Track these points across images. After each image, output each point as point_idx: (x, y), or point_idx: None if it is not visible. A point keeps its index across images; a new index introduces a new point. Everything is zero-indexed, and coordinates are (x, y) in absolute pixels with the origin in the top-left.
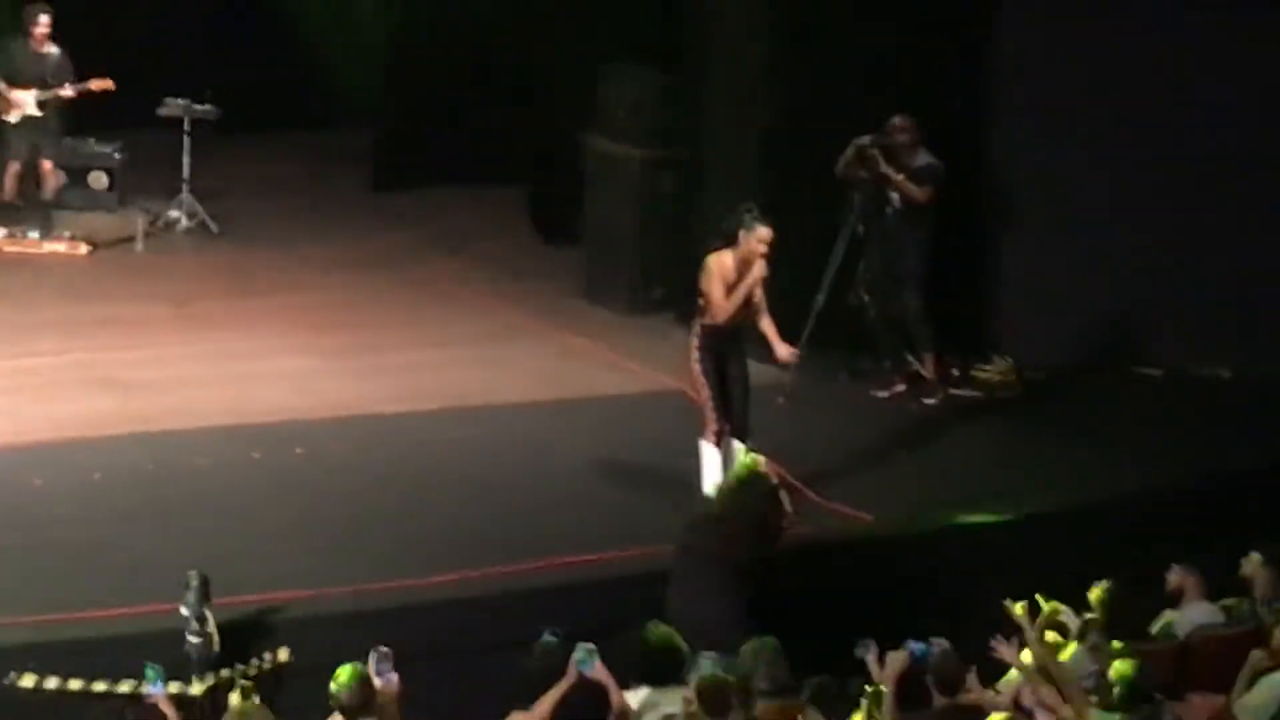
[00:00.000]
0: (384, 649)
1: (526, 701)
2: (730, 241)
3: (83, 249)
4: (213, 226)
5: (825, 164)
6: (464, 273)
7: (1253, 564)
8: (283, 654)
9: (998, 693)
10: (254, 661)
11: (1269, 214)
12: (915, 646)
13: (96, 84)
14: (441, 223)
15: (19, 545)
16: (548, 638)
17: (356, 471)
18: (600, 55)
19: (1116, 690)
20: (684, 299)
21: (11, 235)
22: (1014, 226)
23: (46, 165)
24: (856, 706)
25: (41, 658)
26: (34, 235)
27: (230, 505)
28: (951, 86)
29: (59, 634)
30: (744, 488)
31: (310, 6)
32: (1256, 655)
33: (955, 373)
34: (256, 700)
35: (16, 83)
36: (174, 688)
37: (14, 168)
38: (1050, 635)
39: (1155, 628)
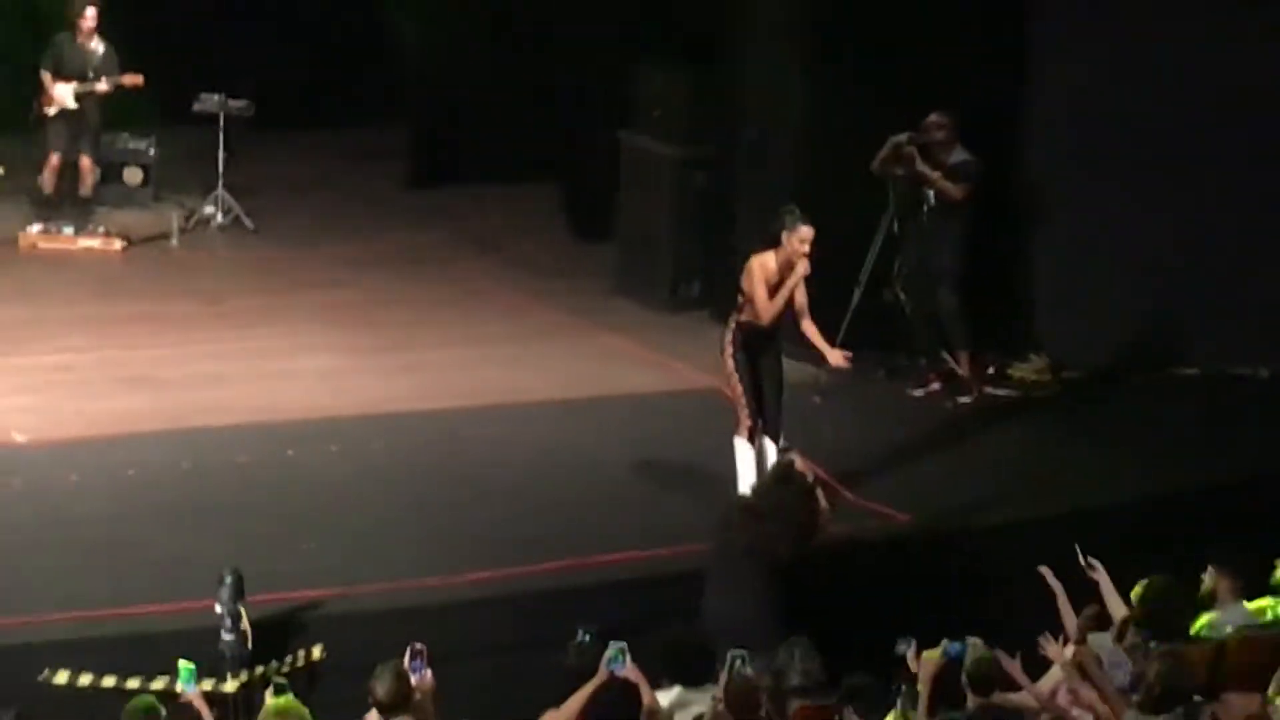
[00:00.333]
0: (418, 646)
1: (560, 700)
2: (772, 243)
3: (117, 245)
4: (247, 223)
5: (861, 161)
6: (497, 270)
7: None
8: (316, 651)
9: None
10: (288, 659)
11: None
12: (951, 646)
13: (128, 79)
14: (475, 221)
15: (54, 542)
16: (581, 636)
17: (390, 469)
18: (634, 53)
19: (1154, 691)
20: (718, 296)
21: (46, 231)
22: (1051, 224)
23: (85, 162)
24: (892, 706)
25: (75, 655)
26: (69, 231)
27: (264, 502)
28: (988, 84)
29: (93, 631)
30: (780, 486)
31: (344, 3)
32: None
33: (991, 371)
34: (291, 697)
35: (61, 75)
36: (207, 685)
37: (53, 160)
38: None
39: (1193, 628)
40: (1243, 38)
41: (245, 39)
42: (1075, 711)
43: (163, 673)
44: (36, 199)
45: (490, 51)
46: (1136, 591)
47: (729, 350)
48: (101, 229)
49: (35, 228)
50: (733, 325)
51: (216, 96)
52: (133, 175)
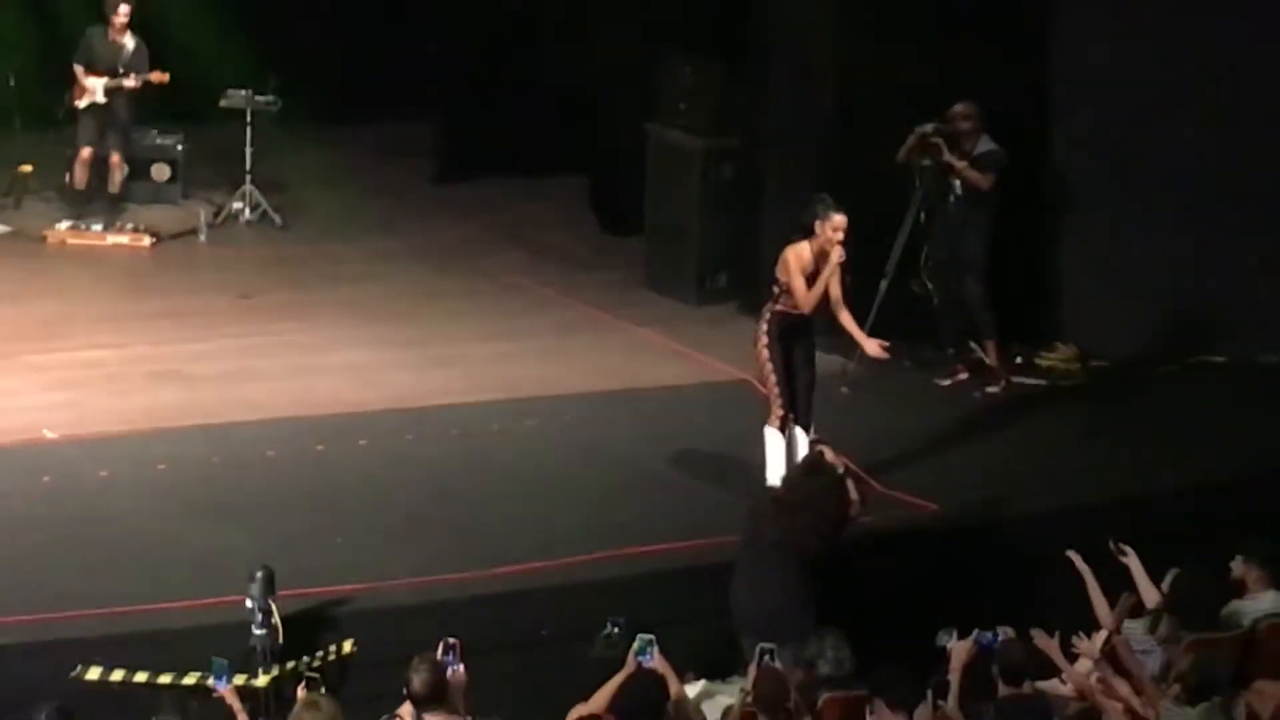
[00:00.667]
0: (451, 641)
1: (589, 692)
2: (806, 233)
3: (146, 241)
4: (275, 218)
5: (887, 151)
6: (526, 264)
7: None
8: (347, 645)
9: (1065, 681)
10: (319, 653)
11: None
12: (983, 637)
13: (155, 76)
14: (503, 214)
15: (84, 538)
16: (610, 629)
17: (420, 463)
18: (661, 45)
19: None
20: (747, 287)
21: (76, 228)
22: (1078, 213)
23: (114, 158)
24: (923, 697)
25: (107, 650)
26: (97, 228)
27: (295, 497)
28: (1013, 72)
29: (124, 627)
30: (810, 477)
31: None
32: None
33: (1019, 361)
34: (324, 691)
35: (92, 69)
36: (239, 680)
37: (84, 154)
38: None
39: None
40: (1272, 24)
41: (272, 34)
42: (1105, 701)
43: (195, 668)
44: (67, 193)
45: (518, 45)
46: (1167, 582)
47: (763, 340)
48: (130, 225)
49: (64, 224)
50: (767, 315)
51: (244, 92)
52: (161, 172)
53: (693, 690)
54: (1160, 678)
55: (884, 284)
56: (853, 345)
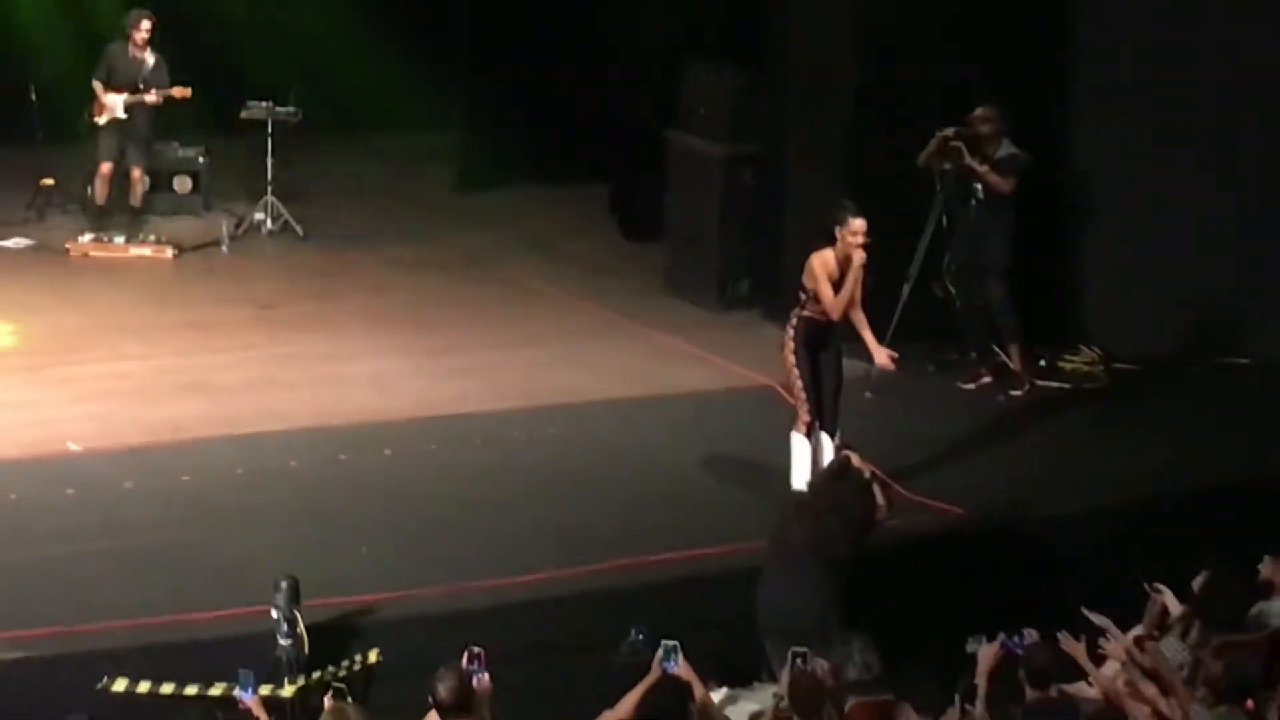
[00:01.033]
0: (476, 650)
1: (614, 699)
2: (829, 239)
3: (169, 253)
4: (297, 229)
5: (908, 156)
6: (548, 271)
7: None
8: (373, 655)
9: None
10: (344, 663)
11: None
12: (1009, 640)
13: (177, 91)
14: (524, 222)
15: (110, 549)
16: (634, 635)
17: (444, 472)
18: (680, 51)
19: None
20: (768, 293)
21: (98, 240)
22: (1099, 216)
23: (135, 172)
24: (950, 701)
25: (133, 662)
26: (120, 240)
27: (318, 507)
28: (1034, 76)
29: (150, 638)
30: (837, 482)
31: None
32: None
33: (1042, 364)
34: (350, 700)
35: (112, 85)
36: (265, 690)
37: (104, 170)
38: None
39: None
40: None
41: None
42: (1133, 704)
43: (221, 679)
44: (88, 209)
45: (538, 53)
46: (1196, 584)
47: (790, 346)
48: (153, 237)
49: (87, 237)
50: (794, 321)
51: (264, 103)
52: (183, 184)
53: (716, 697)
54: (1189, 680)
55: (906, 288)
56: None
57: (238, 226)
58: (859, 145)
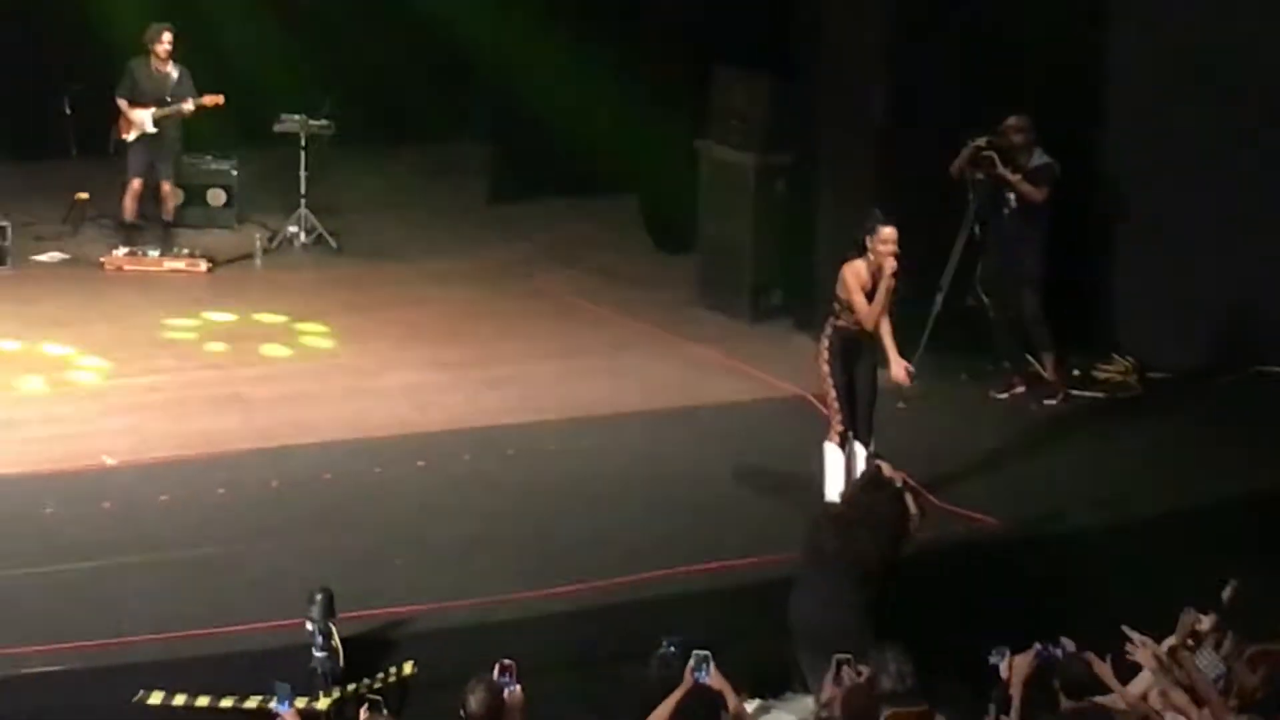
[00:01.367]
0: (507, 662)
1: (648, 711)
2: (861, 249)
3: (202, 266)
4: (330, 241)
5: (940, 165)
6: (580, 283)
7: None
8: (408, 667)
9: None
10: (379, 675)
11: None
12: (1043, 650)
13: (209, 99)
14: (557, 234)
15: (145, 563)
16: (666, 647)
17: (477, 484)
18: (711, 61)
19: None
20: (801, 303)
21: (132, 253)
22: (1133, 225)
23: (166, 186)
24: (985, 712)
25: (168, 675)
26: (154, 254)
27: (353, 519)
28: (1067, 84)
29: (185, 651)
30: (869, 493)
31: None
32: None
33: (1075, 373)
34: (385, 713)
35: (138, 101)
36: (300, 703)
37: (134, 186)
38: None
39: None
40: None
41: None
42: (1168, 715)
43: (256, 692)
44: (120, 226)
45: (569, 65)
46: (1226, 593)
47: (824, 356)
48: (186, 250)
49: (121, 251)
50: (828, 332)
51: (298, 116)
52: (216, 197)
53: (749, 707)
54: (1223, 692)
55: (939, 298)
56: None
57: (271, 239)
58: (891, 155)
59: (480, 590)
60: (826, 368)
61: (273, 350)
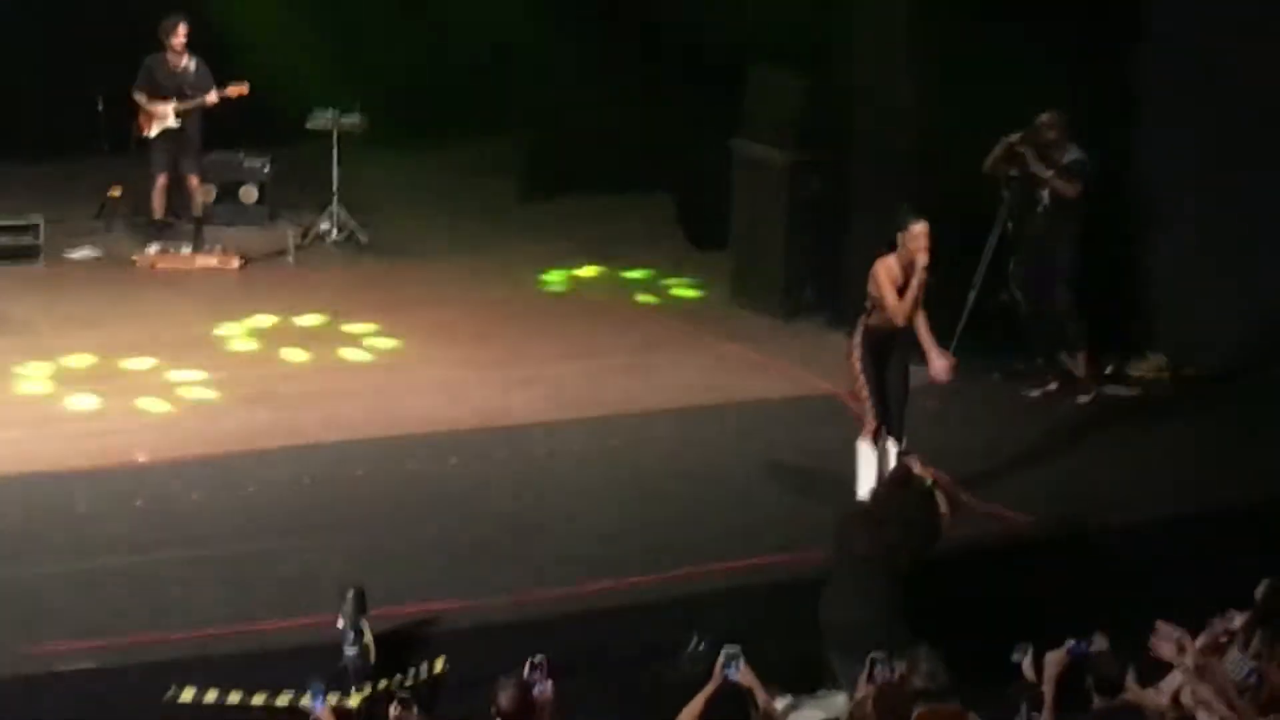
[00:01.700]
0: (538, 660)
1: (678, 708)
2: (893, 246)
3: (235, 263)
4: (362, 238)
5: (974, 162)
6: (612, 281)
7: None
8: (439, 664)
9: (1159, 691)
10: (411, 672)
11: None
12: (1075, 646)
13: (233, 89)
14: (589, 231)
15: (177, 559)
16: (696, 644)
17: (509, 481)
18: (745, 59)
19: None
20: (834, 301)
21: (164, 250)
22: (1167, 221)
23: (193, 181)
24: (1016, 709)
25: (200, 671)
26: (186, 250)
27: (384, 516)
28: (1101, 81)
29: (218, 648)
30: (898, 492)
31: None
32: None
33: (1109, 370)
34: (416, 710)
35: (157, 96)
36: (332, 700)
37: (160, 182)
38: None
39: None
40: None
41: (357, 54)
42: (1200, 713)
43: (287, 688)
44: (150, 223)
45: (602, 61)
46: (1260, 592)
47: (856, 353)
48: (219, 247)
49: (153, 248)
50: (860, 329)
51: (330, 113)
52: (248, 194)
53: (779, 704)
54: (1254, 690)
55: (972, 295)
56: None
57: (303, 236)
58: (924, 151)
59: (511, 587)
60: (859, 365)
61: (306, 350)
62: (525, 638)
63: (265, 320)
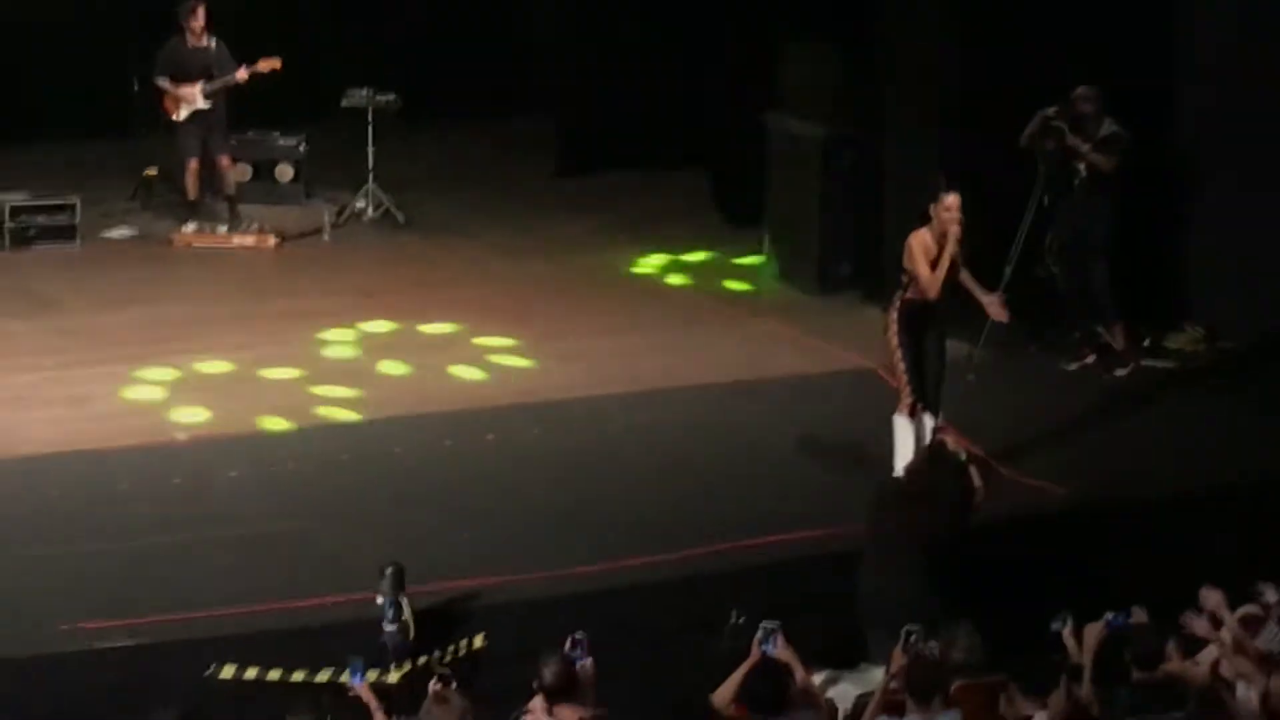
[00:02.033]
0: (579, 636)
1: (717, 683)
2: (926, 219)
3: (271, 241)
4: (398, 216)
5: (1010, 136)
6: (647, 257)
7: None
8: (478, 640)
9: (1197, 664)
10: (450, 648)
11: None
12: (1114, 619)
13: (265, 64)
14: (625, 207)
15: (215, 538)
16: (735, 619)
17: (547, 457)
18: (780, 33)
19: None
20: (869, 276)
21: (201, 230)
22: (1203, 194)
23: (224, 161)
24: (1055, 682)
25: (239, 649)
26: (222, 230)
27: (422, 493)
28: (1136, 53)
29: (257, 625)
30: (931, 467)
31: None
32: None
33: (1146, 343)
34: (455, 686)
35: (181, 79)
36: (371, 676)
37: (192, 165)
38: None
39: None
40: None
41: (392, 32)
42: (1240, 684)
43: (327, 665)
44: (184, 205)
45: (636, 38)
46: None
47: (893, 328)
48: (255, 226)
49: (190, 227)
50: (897, 304)
51: (364, 91)
52: (284, 172)
53: (817, 679)
54: None
55: (1009, 269)
56: (979, 332)
57: (339, 215)
58: (960, 125)
59: (550, 563)
60: (895, 340)
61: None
62: (563, 613)
63: (301, 299)
